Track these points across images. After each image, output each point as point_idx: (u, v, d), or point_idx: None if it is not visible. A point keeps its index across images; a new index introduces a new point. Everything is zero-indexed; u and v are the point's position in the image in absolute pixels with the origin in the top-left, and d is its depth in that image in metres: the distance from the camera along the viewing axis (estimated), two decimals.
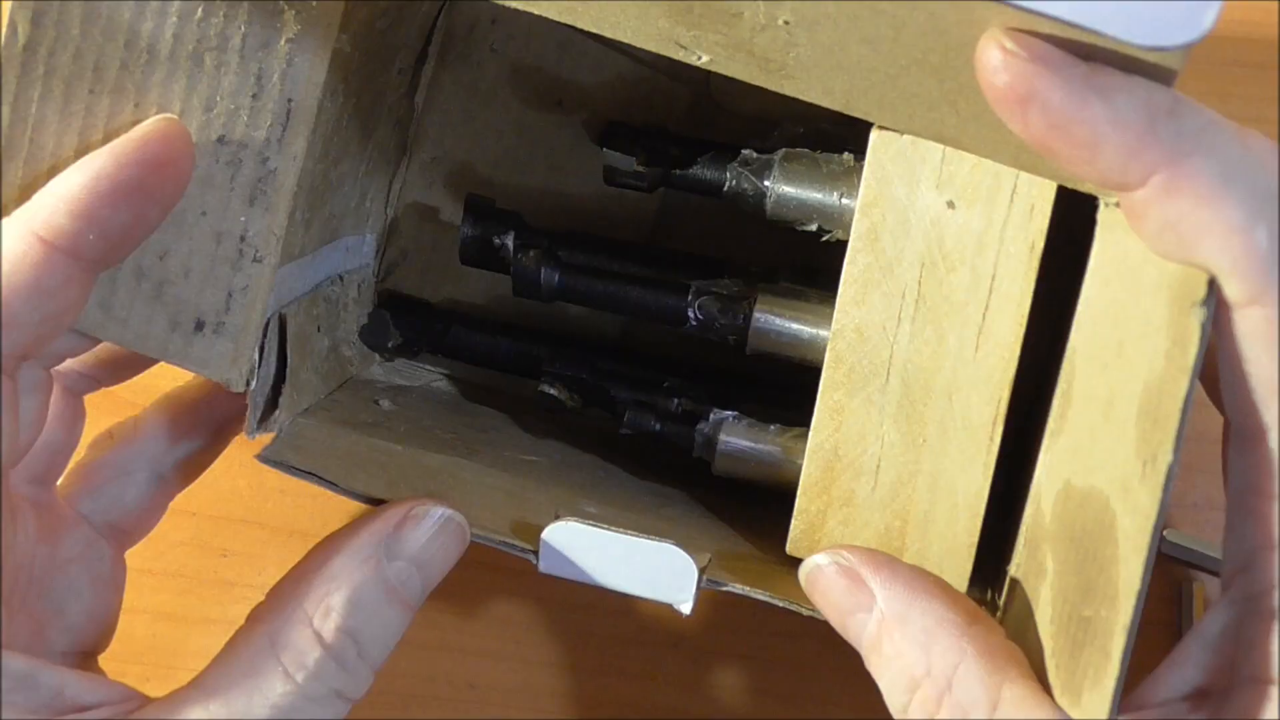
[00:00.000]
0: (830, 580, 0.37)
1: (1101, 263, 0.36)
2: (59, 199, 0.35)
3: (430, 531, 0.38)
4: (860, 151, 0.40)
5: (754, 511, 0.44)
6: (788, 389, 0.44)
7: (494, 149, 0.51)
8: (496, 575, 0.52)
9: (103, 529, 0.43)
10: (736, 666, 0.51)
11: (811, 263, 0.43)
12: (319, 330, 0.46)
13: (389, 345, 0.50)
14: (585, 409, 0.47)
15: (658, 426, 0.44)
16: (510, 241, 0.45)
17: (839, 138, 0.42)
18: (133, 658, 0.37)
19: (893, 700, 0.35)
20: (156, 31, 0.36)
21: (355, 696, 0.37)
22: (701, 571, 0.38)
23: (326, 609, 0.36)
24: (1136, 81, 0.30)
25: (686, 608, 0.38)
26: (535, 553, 0.39)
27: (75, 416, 0.42)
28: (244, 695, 0.36)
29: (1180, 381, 0.32)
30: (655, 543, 0.38)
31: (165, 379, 0.47)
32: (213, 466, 0.47)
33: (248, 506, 0.52)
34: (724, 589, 0.38)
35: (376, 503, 0.40)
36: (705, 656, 0.51)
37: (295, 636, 0.36)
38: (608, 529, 0.38)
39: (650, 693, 0.51)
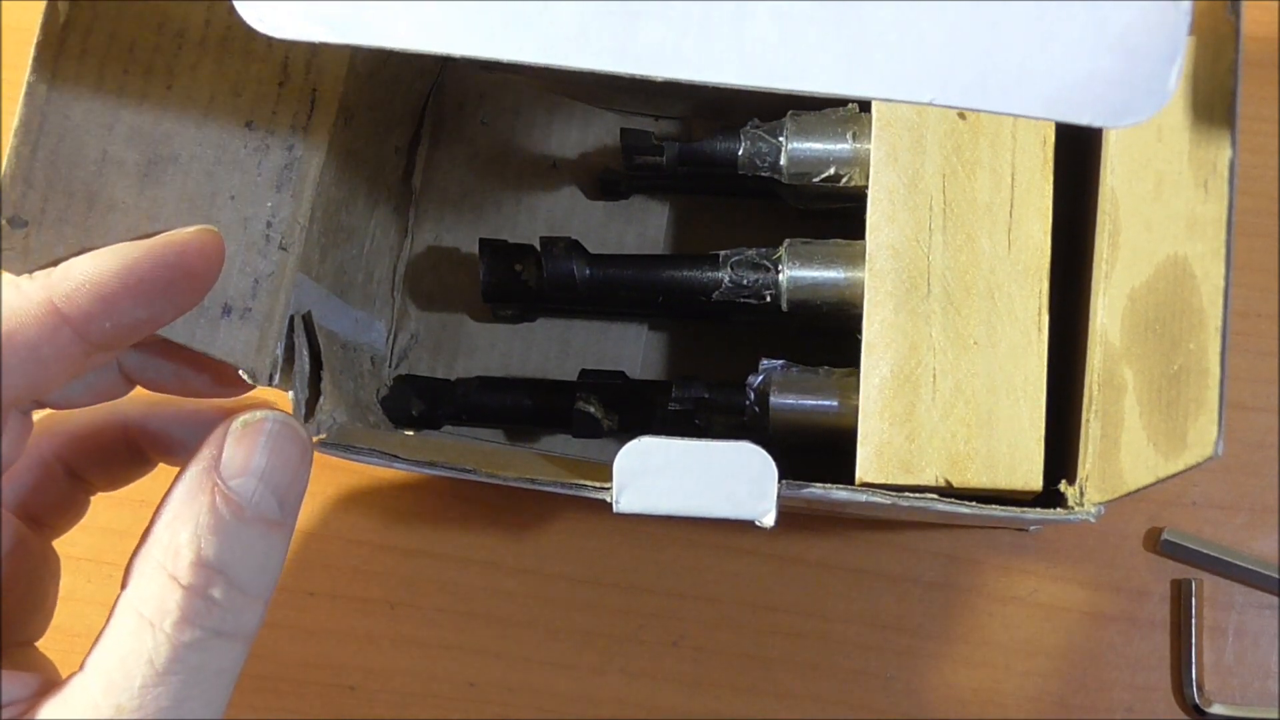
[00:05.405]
0: None
1: None
2: (89, 279, 0.35)
3: (260, 440, 0.36)
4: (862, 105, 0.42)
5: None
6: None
7: (494, 220, 0.53)
8: (496, 573, 0.52)
9: (24, 519, 0.41)
10: (736, 665, 0.51)
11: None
12: (340, 372, 0.46)
13: (412, 413, 0.50)
14: (621, 429, 0.46)
15: (706, 394, 0.44)
16: (531, 260, 0.46)
17: None
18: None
19: None
20: (188, 16, 0.38)
21: (243, 632, 0.35)
22: (781, 476, 0.37)
23: (175, 550, 0.34)
24: None
25: (769, 519, 0.37)
26: (609, 490, 0.38)
27: (25, 435, 0.39)
28: (120, 664, 0.34)
29: (1225, 80, 0.31)
30: (731, 443, 0.37)
31: None
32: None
33: None
34: (805, 491, 0.38)
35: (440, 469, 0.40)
36: (705, 655, 0.51)
37: (151, 588, 0.34)
38: (681, 439, 0.38)
39: (650, 691, 0.51)
